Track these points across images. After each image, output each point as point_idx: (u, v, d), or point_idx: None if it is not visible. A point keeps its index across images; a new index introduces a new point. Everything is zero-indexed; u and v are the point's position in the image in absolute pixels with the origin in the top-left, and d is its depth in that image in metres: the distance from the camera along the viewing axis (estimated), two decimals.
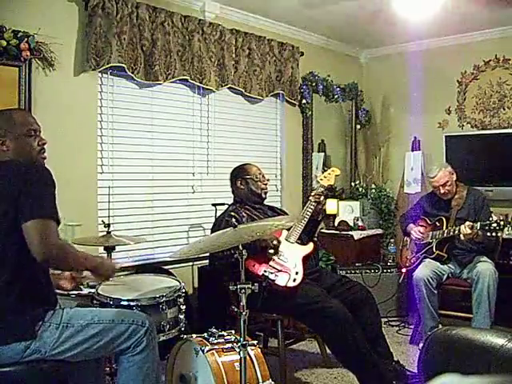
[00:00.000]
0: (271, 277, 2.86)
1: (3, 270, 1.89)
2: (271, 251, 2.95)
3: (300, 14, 4.27)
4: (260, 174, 3.32)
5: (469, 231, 3.41)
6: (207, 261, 3.65)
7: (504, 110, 4.65)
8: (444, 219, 3.72)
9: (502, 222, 3.33)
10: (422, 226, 3.86)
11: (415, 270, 3.67)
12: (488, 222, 3.37)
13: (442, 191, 3.71)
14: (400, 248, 4.13)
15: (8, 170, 1.96)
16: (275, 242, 2.97)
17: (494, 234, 3.37)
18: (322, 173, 3.41)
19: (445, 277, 3.67)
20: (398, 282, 4.39)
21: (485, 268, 3.49)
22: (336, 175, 3.35)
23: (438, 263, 3.68)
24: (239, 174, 3.32)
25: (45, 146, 2.12)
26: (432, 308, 3.56)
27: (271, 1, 4.01)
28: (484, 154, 4.62)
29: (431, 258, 3.71)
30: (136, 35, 3.45)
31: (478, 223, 3.41)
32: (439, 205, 3.82)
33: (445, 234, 3.63)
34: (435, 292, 3.58)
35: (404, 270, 4.07)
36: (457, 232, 3.52)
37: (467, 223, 3.45)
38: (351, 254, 4.70)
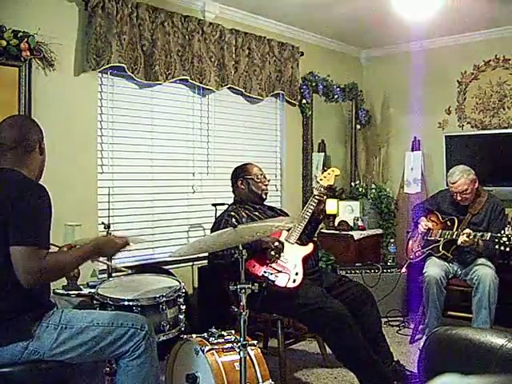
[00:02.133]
0: (271, 278, 2.86)
1: (2, 272, 1.89)
2: (273, 253, 2.95)
3: (300, 13, 4.27)
4: (261, 174, 3.31)
5: (465, 239, 3.41)
6: (207, 261, 3.65)
7: (504, 110, 4.65)
8: (456, 220, 3.69)
9: None
10: (432, 221, 3.84)
11: (424, 268, 3.66)
12: (499, 235, 3.33)
13: (460, 198, 3.66)
14: (407, 238, 4.10)
15: (9, 182, 1.98)
16: (277, 244, 2.97)
17: (502, 248, 3.31)
18: (322, 173, 3.40)
19: (450, 276, 3.68)
20: (397, 281, 4.39)
21: (485, 273, 3.48)
22: (336, 175, 3.34)
23: (445, 262, 3.68)
24: (240, 173, 3.32)
25: None
26: (439, 307, 3.56)
27: (271, 1, 4.01)
28: (484, 154, 4.62)
29: (436, 257, 3.71)
30: (136, 35, 3.45)
31: (489, 234, 3.39)
32: (456, 205, 3.77)
33: (454, 236, 3.60)
34: (444, 292, 3.58)
35: (404, 270, 4.07)
36: (455, 237, 3.52)
37: (466, 230, 3.45)
38: (351, 254, 4.70)
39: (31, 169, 2.07)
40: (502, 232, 3.36)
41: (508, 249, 3.31)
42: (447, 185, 3.77)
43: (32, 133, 2.11)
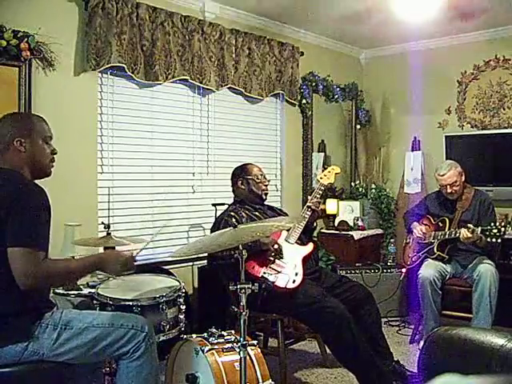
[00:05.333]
0: (271, 278, 2.86)
1: (1, 273, 1.88)
2: (273, 255, 2.94)
3: (300, 14, 4.27)
4: (261, 174, 3.31)
5: (469, 235, 3.40)
6: (207, 261, 3.65)
7: (504, 110, 4.65)
8: (447, 220, 3.70)
9: (502, 229, 3.30)
10: (425, 224, 3.85)
11: (419, 270, 3.66)
12: (488, 228, 3.34)
13: (449, 191, 3.67)
14: (403, 245, 4.11)
15: (5, 182, 1.96)
16: (276, 246, 2.97)
17: (493, 239, 3.33)
18: (322, 171, 3.40)
19: (447, 277, 3.67)
20: (399, 282, 4.39)
21: (486, 269, 3.48)
22: (336, 173, 3.34)
23: (441, 263, 3.68)
24: (240, 173, 3.32)
25: (55, 156, 2.15)
26: (435, 308, 3.56)
27: (271, 1, 4.01)
28: (484, 153, 4.62)
29: (432, 259, 3.71)
30: (136, 35, 3.45)
31: (479, 228, 3.39)
32: (444, 205, 3.80)
33: (446, 236, 3.61)
34: (439, 292, 3.58)
35: (404, 270, 4.08)
36: (457, 235, 3.51)
37: (468, 226, 3.44)
38: (351, 254, 4.70)
39: (20, 168, 2.03)
40: (492, 224, 3.36)
41: (499, 240, 3.33)
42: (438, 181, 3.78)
43: (2, 131, 2.05)
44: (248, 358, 2.22)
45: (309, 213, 3.14)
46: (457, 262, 3.70)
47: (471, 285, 3.55)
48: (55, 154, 2.15)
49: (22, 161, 2.04)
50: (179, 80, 3.76)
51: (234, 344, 2.30)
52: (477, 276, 3.49)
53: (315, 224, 3.31)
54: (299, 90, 4.72)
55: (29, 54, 2.98)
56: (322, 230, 4.81)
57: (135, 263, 2.17)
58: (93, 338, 1.98)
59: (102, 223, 2.98)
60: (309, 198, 3.23)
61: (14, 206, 1.87)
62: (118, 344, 2.00)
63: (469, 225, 3.45)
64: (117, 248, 2.45)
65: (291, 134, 4.79)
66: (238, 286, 2.08)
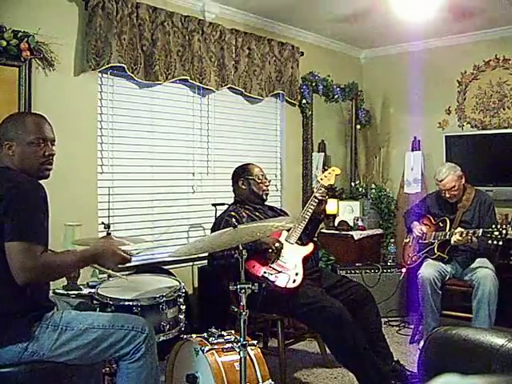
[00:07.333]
0: (271, 278, 2.86)
1: (1, 273, 1.88)
2: (273, 254, 2.94)
3: (300, 14, 4.27)
4: (262, 175, 3.31)
5: (459, 238, 3.42)
6: (207, 261, 3.65)
7: (504, 109, 4.65)
8: (448, 220, 3.70)
9: (504, 231, 3.30)
10: (425, 224, 3.85)
11: (419, 270, 3.66)
12: (490, 230, 3.34)
13: (448, 195, 3.68)
14: (403, 245, 4.11)
15: (1, 179, 1.95)
16: (277, 245, 2.97)
17: (494, 242, 3.33)
18: (323, 172, 3.40)
19: (447, 277, 3.67)
20: (399, 282, 4.39)
21: (485, 274, 3.47)
22: (336, 175, 3.34)
23: (441, 263, 3.68)
24: (242, 173, 3.32)
25: (53, 158, 2.09)
26: (435, 308, 3.56)
27: (271, 1, 4.01)
28: (484, 153, 4.62)
29: (432, 259, 3.71)
30: (136, 35, 3.45)
31: (480, 230, 3.39)
32: (445, 205, 3.80)
33: (447, 236, 3.61)
34: (439, 292, 3.58)
35: (404, 270, 4.07)
36: (448, 237, 3.52)
37: (458, 229, 3.47)
38: (351, 254, 4.70)
39: (14, 167, 2.03)
40: (493, 227, 3.36)
41: (501, 242, 3.34)
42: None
43: None
44: (248, 357, 2.22)
45: (315, 202, 3.16)
46: (457, 263, 3.70)
47: (471, 285, 3.55)
48: (51, 155, 2.08)
49: (13, 163, 2.03)
50: (179, 80, 3.76)
51: (234, 344, 2.30)
52: (476, 282, 3.49)
53: (322, 215, 3.32)
54: (299, 89, 4.72)
55: (29, 53, 2.98)
56: (322, 230, 4.81)
57: (132, 258, 2.15)
58: (93, 339, 1.98)
59: (102, 223, 2.98)
60: (311, 198, 3.23)
61: (11, 202, 1.87)
62: (118, 345, 2.00)
63: (458, 229, 3.48)
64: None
65: (291, 134, 4.79)
66: (238, 286, 2.08)
